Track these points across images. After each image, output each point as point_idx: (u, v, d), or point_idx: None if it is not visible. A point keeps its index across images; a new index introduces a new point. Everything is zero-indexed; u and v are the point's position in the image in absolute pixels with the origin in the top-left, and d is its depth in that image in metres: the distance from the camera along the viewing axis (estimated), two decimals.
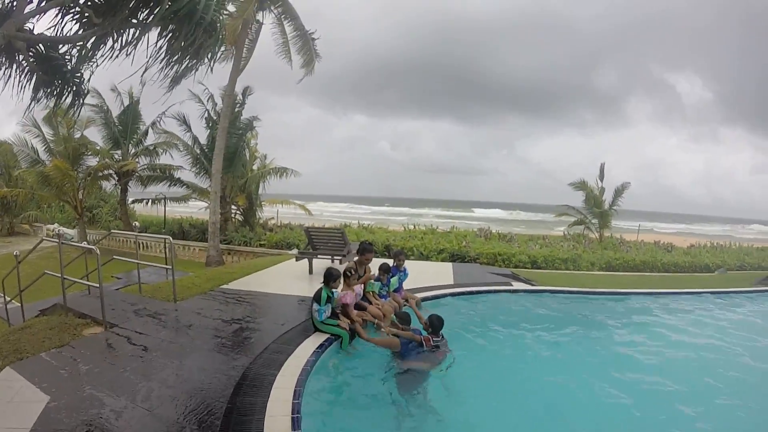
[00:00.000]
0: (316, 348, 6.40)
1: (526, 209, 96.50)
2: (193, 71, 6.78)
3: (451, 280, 12.03)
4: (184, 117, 21.51)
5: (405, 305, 8.86)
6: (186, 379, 5.22)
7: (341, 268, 7.71)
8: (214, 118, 20.85)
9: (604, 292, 11.84)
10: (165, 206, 20.91)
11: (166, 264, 10.20)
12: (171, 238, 8.85)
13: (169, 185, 22.76)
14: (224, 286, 9.73)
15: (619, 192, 22.96)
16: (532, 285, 12.10)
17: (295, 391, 5.11)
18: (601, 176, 23.49)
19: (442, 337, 6.92)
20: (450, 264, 15.37)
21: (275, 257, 14.62)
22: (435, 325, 6.87)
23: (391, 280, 8.87)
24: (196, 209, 24.34)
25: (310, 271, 11.60)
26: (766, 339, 8.95)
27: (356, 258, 8.48)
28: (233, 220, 22.02)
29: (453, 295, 10.42)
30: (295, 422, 4.49)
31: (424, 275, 11.77)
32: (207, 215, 19.27)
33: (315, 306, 6.89)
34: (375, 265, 8.67)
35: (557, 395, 6.16)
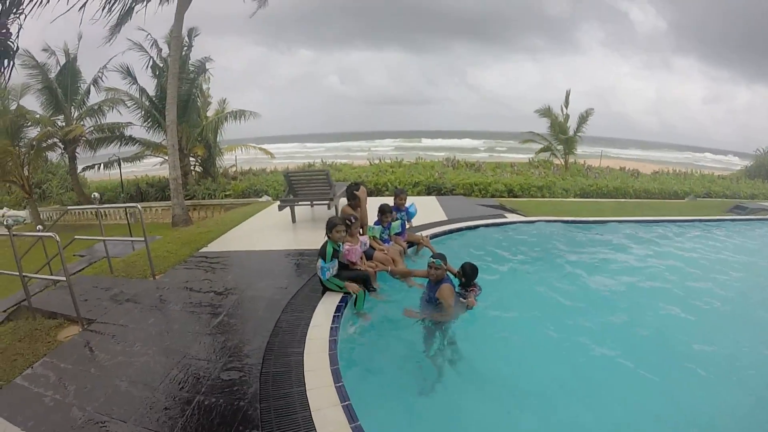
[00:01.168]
0: (335, 312, 5.37)
1: (482, 137, 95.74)
2: (142, 8, 5.27)
3: (443, 214, 11.16)
4: (128, 68, 18.86)
5: (411, 248, 8.07)
6: (197, 378, 4.09)
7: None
8: (161, 65, 18.60)
9: (598, 220, 11.42)
10: (120, 168, 18.61)
11: (130, 231, 8.86)
12: (140, 207, 7.25)
13: (120, 145, 20.22)
14: (204, 250, 8.38)
15: (583, 118, 22.60)
16: (524, 216, 11.46)
17: (332, 371, 4.15)
18: (566, 103, 23.07)
19: (478, 286, 6.05)
20: (434, 198, 14.52)
21: (248, 208, 13.16)
22: (469, 275, 5.94)
23: (392, 223, 7.76)
24: (150, 166, 22.26)
25: (293, 220, 10.40)
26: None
27: (347, 203, 7.31)
28: (193, 172, 20.14)
29: (452, 231, 9.66)
30: (348, 411, 3.58)
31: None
32: (162, 172, 17.57)
33: (320, 263, 5.81)
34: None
35: (587, 324, 5.91)
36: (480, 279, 6.30)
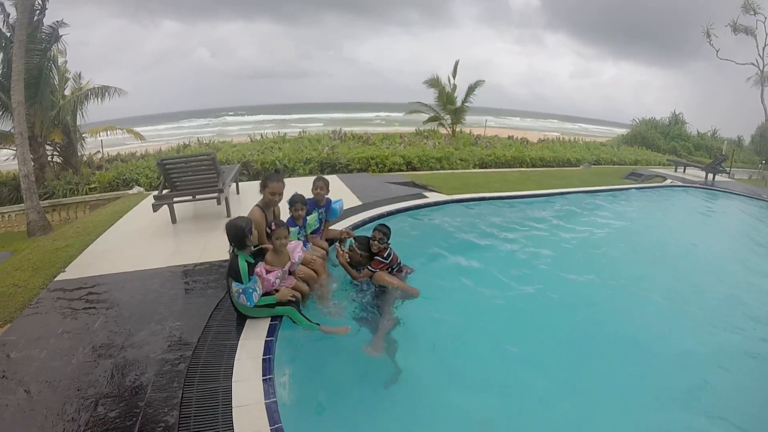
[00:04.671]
0: (264, 376, 3.59)
1: (363, 109, 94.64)
2: None
3: (354, 198, 9.59)
4: None
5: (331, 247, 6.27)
6: None
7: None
8: (8, 34, 14.17)
9: (517, 195, 10.82)
10: None
11: None
12: None
13: None
14: (61, 277, 5.95)
15: (471, 89, 22.12)
16: (440, 193, 10.41)
17: None
18: (454, 73, 22.37)
19: (409, 267, 5.71)
20: (334, 176, 12.70)
21: (116, 205, 10.44)
22: (386, 232, 5.41)
23: (308, 219, 5.86)
24: (1, 160, 18.15)
25: (173, 220, 8.14)
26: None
27: (260, 203, 5.29)
28: (51, 164, 16.26)
29: (374, 219, 8.10)
30: None
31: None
32: (15, 166, 14.10)
33: (236, 287, 4.07)
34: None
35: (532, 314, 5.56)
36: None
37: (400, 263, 5.57)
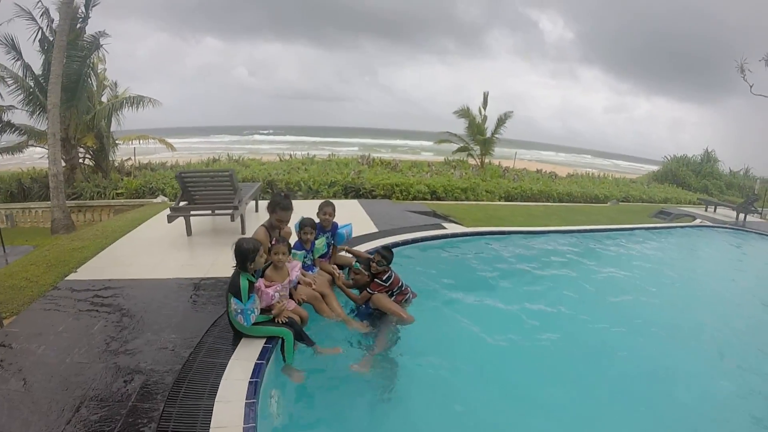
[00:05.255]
0: (247, 399, 3.54)
1: (394, 135, 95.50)
2: None
3: (371, 224, 9.56)
4: (12, 41, 15.15)
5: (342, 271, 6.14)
6: None
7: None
8: (51, 39, 15.05)
9: (538, 231, 10.56)
10: None
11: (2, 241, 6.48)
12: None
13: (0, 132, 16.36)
14: (72, 277, 6.15)
15: (501, 120, 22.19)
16: (461, 225, 10.21)
17: None
18: (485, 104, 22.41)
19: (411, 292, 5.75)
20: (355, 201, 12.88)
21: (137, 213, 10.55)
22: (387, 256, 5.46)
23: (316, 243, 5.90)
24: (36, 158, 18.81)
25: (188, 232, 8.28)
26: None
27: (266, 223, 5.43)
28: (82, 166, 16.99)
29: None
30: None
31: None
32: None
33: (236, 305, 4.11)
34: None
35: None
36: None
37: (402, 286, 5.57)
